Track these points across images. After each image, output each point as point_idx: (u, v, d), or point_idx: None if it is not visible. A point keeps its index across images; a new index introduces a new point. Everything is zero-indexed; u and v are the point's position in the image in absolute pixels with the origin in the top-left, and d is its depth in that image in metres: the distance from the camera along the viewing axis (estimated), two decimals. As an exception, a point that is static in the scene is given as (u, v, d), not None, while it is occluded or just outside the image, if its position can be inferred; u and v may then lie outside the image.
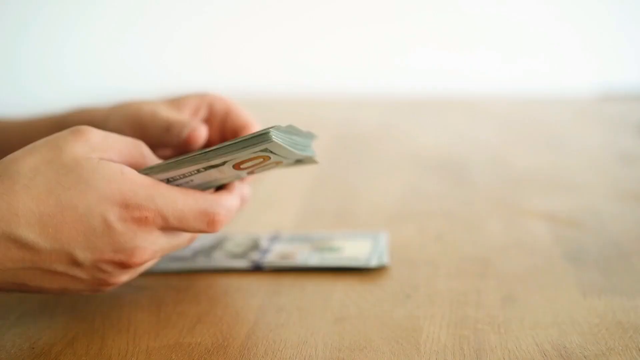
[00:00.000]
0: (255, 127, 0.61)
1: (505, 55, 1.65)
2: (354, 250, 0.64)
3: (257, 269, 0.62)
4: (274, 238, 0.68)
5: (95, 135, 0.50)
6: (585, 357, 0.48)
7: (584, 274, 0.61)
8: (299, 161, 0.54)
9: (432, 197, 0.84)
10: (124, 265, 0.50)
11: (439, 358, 0.49)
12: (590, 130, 1.18)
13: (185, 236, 0.53)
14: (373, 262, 0.62)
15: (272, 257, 0.64)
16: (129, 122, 0.59)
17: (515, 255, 0.65)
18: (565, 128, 1.20)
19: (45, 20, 1.57)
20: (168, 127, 0.58)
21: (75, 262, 0.49)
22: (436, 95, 1.51)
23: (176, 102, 0.61)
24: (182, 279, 0.61)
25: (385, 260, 0.63)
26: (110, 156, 0.50)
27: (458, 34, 1.65)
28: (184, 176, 0.51)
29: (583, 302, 0.56)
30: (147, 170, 0.50)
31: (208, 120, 0.62)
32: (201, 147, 0.58)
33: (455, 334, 0.51)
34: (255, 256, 0.64)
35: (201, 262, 0.63)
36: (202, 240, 0.68)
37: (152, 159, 0.53)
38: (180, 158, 0.50)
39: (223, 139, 0.61)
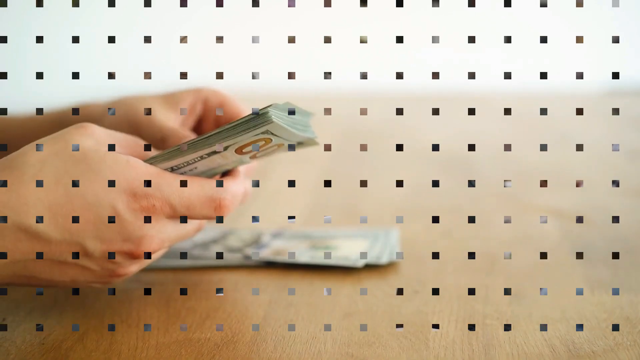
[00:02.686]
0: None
1: (511, 51, 1.65)
2: (347, 250, 0.64)
3: (247, 261, 0.62)
4: (277, 234, 0.68)
5: (100, 132, 0.51)
6: (593, 352, 0.48)
7: (591, 270, 0.61)
8: (300, 143, 0.54)
9: (439, 193, 0.84)
10: (132, 255, 0.50)
11: (447, 353, 0.49)
12: (597, 125, 1.18)
13: (192, 224, 0.53)
14: (384, 259, 0.62)
15: (266, 252, 0.64)
16: (124, 124, 0.60)
17: (523, 251, 0.65)
18: (572, 124, 1.20)
19: (46, 20, 1.57)
20: (163, 139, 0.58)
21: (86, 252, 0.49)
22: (443, 91, 1.51)
23: (172, 99, 0.62)
24: (191, 275, 0.61)
25: (396, 257, 0.63)
26: (116, 150, 0.51)
27: (464, 30, 1.65)
28: (188, 164, 0.51)
29: (591, 297, 0.56)
30: (150, 160, 0.51)
31: (204, 116, 0.63)
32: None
33: (463, 329, 0.52)
34: (249, 251, 0.64)
35: (197, 254, 0.63)
36: (207, 233, 0.68)
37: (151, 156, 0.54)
38: (182, 145, 0.50)
39: None
